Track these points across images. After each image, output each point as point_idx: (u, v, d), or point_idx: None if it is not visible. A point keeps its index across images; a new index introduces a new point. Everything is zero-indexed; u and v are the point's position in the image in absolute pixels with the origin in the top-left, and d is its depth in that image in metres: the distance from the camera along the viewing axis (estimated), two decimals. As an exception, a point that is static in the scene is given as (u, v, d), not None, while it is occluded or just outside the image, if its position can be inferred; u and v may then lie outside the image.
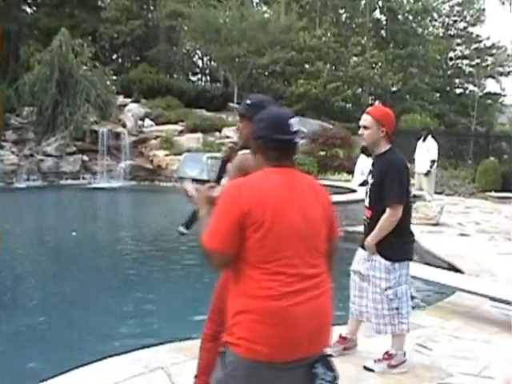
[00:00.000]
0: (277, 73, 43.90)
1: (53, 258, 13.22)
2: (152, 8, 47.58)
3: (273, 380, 3.06)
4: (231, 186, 3.21)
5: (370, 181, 5.72)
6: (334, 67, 45.34)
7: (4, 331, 8.13)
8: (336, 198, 16.06)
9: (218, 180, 4.40)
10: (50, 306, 9.53)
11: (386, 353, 5.85)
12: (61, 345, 7.52)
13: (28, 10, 48.74)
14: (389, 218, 5.51)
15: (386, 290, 5.65)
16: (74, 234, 14.89)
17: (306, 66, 43.99)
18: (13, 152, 26.85)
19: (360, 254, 5.96)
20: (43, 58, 28.62)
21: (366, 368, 5.81)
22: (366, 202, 5.81)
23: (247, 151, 4.11)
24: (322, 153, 26.87)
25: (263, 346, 2.99)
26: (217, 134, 30.37)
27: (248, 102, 4.35)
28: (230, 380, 3.09)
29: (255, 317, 3.01)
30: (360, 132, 5.73)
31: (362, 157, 20.09)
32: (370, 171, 5.80)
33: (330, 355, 3.29)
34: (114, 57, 49.15)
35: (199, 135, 29.51)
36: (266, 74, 45.31)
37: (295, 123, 3.22)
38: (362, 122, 5.69)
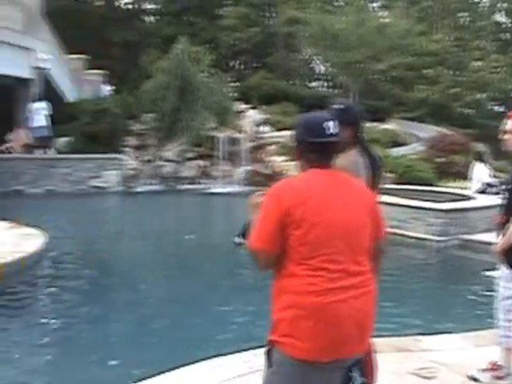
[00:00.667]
0: (396, 78, 43.31)
1: (167, 261, 13.37)
2: (270, 15, 47.80)
3: (317, 379, 3.08)
4: (274, 187, 3.29)
5: (509, 186, 5.47)
6: (454, 72, 44.34)
7: (120, 330, 8.24)
8: (454, 205, 15.65)
9: (243, 237, 4.36)
10: (162, 305, 9.67)
11: (493, 363, 5.54)
12: (173, 344, 7.61)
13: (148, 19, 49.83)
14: None
15: (504, 299, 5.38)
16: (189, 237, 15.01)
17: (426, 71, 43.17)
18: (134, 157, 27.42)
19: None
20: (163, 66, 29.13)
21: (470, 377, 5.55)
22: (501, 208, 5.53)
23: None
24: (440, 159, 26.25)
25: (306, 343, 3.02)
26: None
27: (335, 106, 4.45)
28: (275, 378, 3.14)
29: (299, 312, 3.05)
30: (501, 137, 5.47)
31: (478, 164, 19.56)
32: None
33: (365, 359, 3.31)
34: (233, 64, 49.65)
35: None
36: (385, 79, 44.76)
37: (331, 126, 3.32)
38: (504, 127, 5.43)
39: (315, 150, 3.32)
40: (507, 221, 5.36)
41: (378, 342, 4.61)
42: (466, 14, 51.76)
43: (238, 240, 3.61)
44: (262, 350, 3.28)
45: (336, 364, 3.07)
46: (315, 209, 3.12)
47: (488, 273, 3.51)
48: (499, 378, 5.49)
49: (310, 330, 3.02)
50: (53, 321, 8.75)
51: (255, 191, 3.59)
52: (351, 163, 4.29)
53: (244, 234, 3.49)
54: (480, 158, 21.99)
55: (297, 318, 3.04)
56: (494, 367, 5.53)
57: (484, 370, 5.55)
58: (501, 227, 5.44)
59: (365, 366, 3.26)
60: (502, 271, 5.45)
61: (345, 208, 3.20)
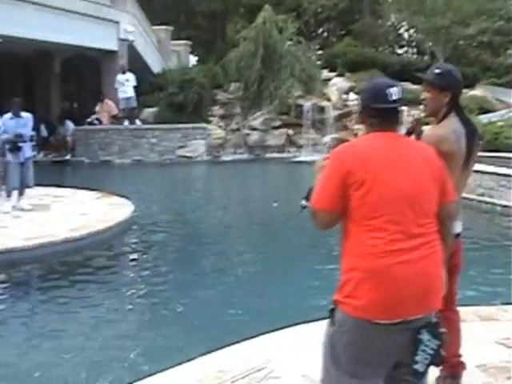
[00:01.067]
0: (484, 43, 42.07)
1: (255, 229, 13.29)
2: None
3: (378, 339, 3.07)
4: (339, 148, 3.26)
5: None
6: (546, 36, 42.89)
7: (198, 295, 8.21)
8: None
9: (307, 199, 4.26)
10: (242, 272, 9.66)
11: None
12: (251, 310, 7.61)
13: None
14: None
15: None
16: (275, 205, 14.90)
17: (515, 35, 41.87)
18: (220, 126, 27.51)
19: None
20: (248, 35, 29.02)
21: None
22: None
23: (432, 126, 4.32)
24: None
25: (367, 304, 3.01)
26: (421, 106, 29.46)
27: (437, 71, 4.28)
28: (338, 336, 3.15)
29: (359, 275, 3.04)
30: None
31: None
32: None
33: (438, 322, 3.20)
34: (319, 31, 49.15)
35: (404, 108, 28.79)
36: (473, 45, 43.58)
37: (395, 92, 3.25)
38: None
39: (378, 115, 3.27)
40: None
41: (463, 311, 4.45)
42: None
43: (304, 203, 3.52)
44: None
45: (400, 325, 3.03)
46: (376, 170, 3.09)
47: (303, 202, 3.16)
48: None
49: (370, 291, 3.01)
50: (141, 287, 8.86)
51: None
52: (450, 131, 4.14)
53: (309, 197, 3.41)
54: None
55: (357, 279, 3.05)
56: None
57: None
58: None
59: (438, 327, 3.16)
60: None
61: (408, 170, 3.16)
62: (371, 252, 3.02)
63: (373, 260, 3.01)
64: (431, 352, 3.11)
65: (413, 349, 3.09)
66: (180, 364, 5.09)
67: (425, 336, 3.09)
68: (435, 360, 3.15)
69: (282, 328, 5.86)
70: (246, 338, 5.60)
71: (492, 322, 6.18)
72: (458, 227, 4.27)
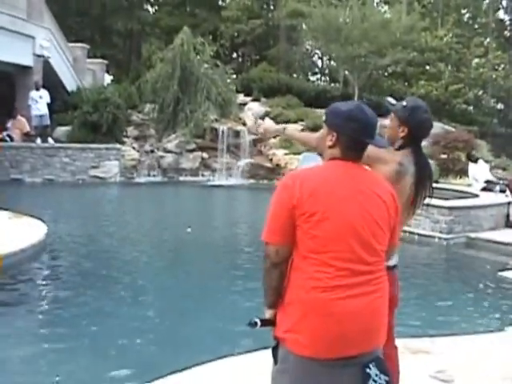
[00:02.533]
0: (397, 74, 43.17)
1: (166, 254, 13.15)
2: (272, 7, 47.66)
3: (323, 377, 2.97)
4: (286, 177, 3.18)
5: None
6: (455, 69, 44.20)
7: (122, 325, 8.02)
8: (458, 202, 15.52)
9: None
10: (163, 299, 9.55)
11: None
12: (179, 341, 7.40)
13: (150, 9, 49.73)
14: None
15: None
16: (188, 230, 14.81)
17: (428, 67, 43.04)
18: (134, 148, 27.21)
19: None
20: (165, 56, 29.01)
21: None
22: None
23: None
24: (444, 156, 26.05)
25: (308, 339, 2.94)
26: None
27: (404, 103, 4.26)
28: (281, 375, 3.06)
29: (302, 308, 2.97)
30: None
31: (472, 164, 19.55)
32: None
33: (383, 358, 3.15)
34: (235, 56, 49.51)
35: (318, 134, 29.08)
36: (387, 74, 44.59)
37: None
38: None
39: (357, 147, 3.21)
40: None
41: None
42: (469, 10, 51.70)
43: (256, 321, 3.18)
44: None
45: (345, 361, 2.96)
46: (326, 203, 3.00)
47: (502, 273, 3.20)
48: None
49: (312, 326, 2.93)
50: (48, 314, 8.57)
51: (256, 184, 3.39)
52: (397, 159, 4.09)
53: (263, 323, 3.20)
54: (471, 158, 22.03)
55: (298, 313, 2.98)
56: None
57: None
58: None
59: (385, 363, 3.12)
60: None
61: (362, 205, 3.07)
62: (315, 286, 2.94)
63: (315, 294, 2.93)
64: None
65: None
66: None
67: (373, 371, 3.01)
68: None
69: (210, 360, 5.74)
70: (172, 372, 5.44)
71: (422, 354, 6.26)
72: (393, 260, 4.24)
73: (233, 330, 7.38)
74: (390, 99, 4.46)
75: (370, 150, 3.99)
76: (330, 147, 3.22)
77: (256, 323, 3.15)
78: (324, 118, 3.33)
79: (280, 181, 3.20)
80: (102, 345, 7.30)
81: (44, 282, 10.33)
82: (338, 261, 2.96)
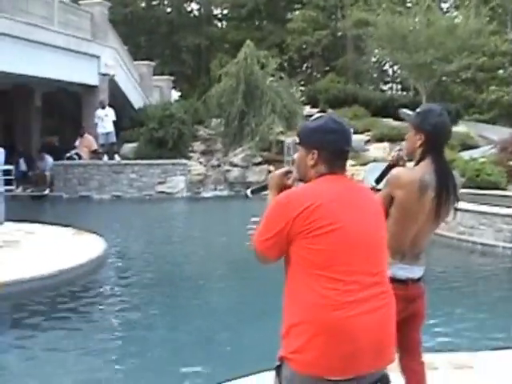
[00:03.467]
0: (467, 80, 42.43)
1: (231, 268, 13.11)
2: (339, 17, 47.43)
3: None
4: (282, 194, 3.11)
5: None
6: (526, 72, 43.23)
7: (164, 337, 8.01)
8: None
9: (376, 182, 4.36)
10: (223, 312, 9.47)
11: None
12: (216, 356, 7.31)
13: (218, 24, 50.13)
14: None
15: None
16: (247, 244, 14.69)
17: (499, 71, 42.17)
18: (200, 162, 27.39)
19: None
20: (229, 71, 29.07)
21: None
22: None
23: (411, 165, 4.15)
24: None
25: (318, 359, 2.83)
26: (404, 143, 29.41)
27: (418, 109, 4.12)
28: None
29: (310, 328, 2.86)
30: None
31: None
32: None
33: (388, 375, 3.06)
34: (302, 67, 49.47)
35: (386, 144, 28.79)
36: (456, 81, 43.89)
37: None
38: None
39: (340, 157, 3.15)
40: None
41: (435, 358, 4.26)
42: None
43: (248, 192, 3.57)
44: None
45: (354, 381, 2.87)
46: (329, 216, 2.92)
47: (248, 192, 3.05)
48: None
49: (321, 345, 2.83)
50: (109, 329, 8.58)
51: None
52: (415, 179, 3.90)
53: (255, 191, 3.52)
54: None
55: (307, 333, 2.87)
56: None
57: None
58: None
59: (390, 380, 3.03)
60: None
61: (361, 217, 3.03)
62: (324, 304, 2.85)
63: (325, 313, 2.85)
64: None
65: None
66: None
67: None
68: None
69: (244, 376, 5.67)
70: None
71: (465, 369, 5.99)
72: (418, 272, 4.09)
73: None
74: (406, 111, 4.32)
75: (390, 176, 4.03)
76: (313, 166, 3.14)
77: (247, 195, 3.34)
78: (298, 140, 3.25)
79: (276, 198, 3.14)
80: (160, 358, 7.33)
81: (100, 297, 10.42)
82: (344, 274, 2.88)
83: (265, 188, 3.36)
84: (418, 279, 4.09)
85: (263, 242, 3.04)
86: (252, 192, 3.50)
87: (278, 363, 3.00)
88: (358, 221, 2.98)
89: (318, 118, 3.23)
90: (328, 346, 2.82)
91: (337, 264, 2.89)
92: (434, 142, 4.02)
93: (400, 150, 4.43)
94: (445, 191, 3.96)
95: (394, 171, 4.06)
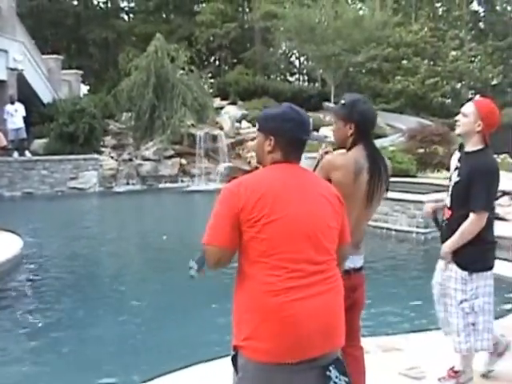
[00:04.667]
0: (374, 70, 43.19)
1: (147, 262, 13.21)
2: (246, 10, 47.69)
3: (284, 382, 2.97)
4: (231, 183, 3.19)
5: (455, 178, 5.14)
6: (431, 62, 44.20)
7: (98, 335, 8.07)
8: (436, 196, 15.55)
9: None
10: (143, 308, 9.51)
11: (452, 369, 5.32)
12: (157, 349, 7.41)
13: (125, 17, 49.66)
14: (472, 225, 4.91)
15: (461, 302, 5.06)
16: (164, 238, 14.82)
17: (403, 62, 43.08)
18: (112, 157, 27.19)
19: (439, 263, 5.32)
20: (140, 64, 28.94)
21: None
22: (447, 201, 5.22)
23: (342, 151, 4.26)
24: (421, 150, 26.08)
25: (267, 345, 2.93)
26: (314, 133, 29.89)
27: (342, 101, 4.30)
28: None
29: (256, 315, 2.96)
30: (456, 117, 5.20)
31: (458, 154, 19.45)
32: (456, 167, 5.19)
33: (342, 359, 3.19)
34: (211, 60, 49.49)
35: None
36: (363, 71, 44.66)
37: (311, 123, 3.33)
38: (462, 108, 5.16)
39: (297, 146, 3.26)
40: (452, 216, 5.12)
41: (364, 342, 4.46)
42: (443, 3, 51.90)
43: (193, 267, 3.17)
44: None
45: (306, 365, 2.96)
46: (273, 205, 3.02)
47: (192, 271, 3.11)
48: None
49: (270, 331, 2.93)
50: (29, 326, 8.56)
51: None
52: (349, 162, 4.09)
53: (199, 264, 3.18)
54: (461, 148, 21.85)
55: (255, 319, 2.97)
56: (454, 374, 5.30)
57: (445, 378, 5.32)
58: (449, 224, 5.16)
59: (344, 364, 3.12)
60: (452, 273, 5.10)
61: (308, 205, 3.11)
62: (267, 290, 2.94)
63: (269, 298, 2.93)
64: None
65: None
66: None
67: (333, 373, 3.01)
68: None
69: (178, 369, 5.77)
70: (142, 382, 5.52)
71: (394, 352, 6.25)
72: (359, 261, 4.26)
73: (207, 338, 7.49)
74: (328, 104, 4.52)
75: (323, 161, 4.17)
76: (270, 152, 3.25)
77: (192, 275, 3.16)
78: (257, 125, 3.35)
79: (224, 187, 3.20)
80: (84, 356, 7.39)
81: (20, 296, 10.36)
82: (288, 262, 2.97)
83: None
84: (360, 268, 4.28)
85: (216, 234, 3.07)
86: (197, 269, 3.18)
87: (233, 353, 3.09)
88: (304, 210, 3.07)
89: (277, 106, 3.37)
90: (274, 332, 2.92)
91: (281, 252, 2.98)
92: (364, 130, 4.23)
93: (324, 150, 4.47)
94: (377, 174, 4.18)
95: (327, 156, 4.21)
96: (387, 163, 4.38)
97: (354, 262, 4.13)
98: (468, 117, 5.06)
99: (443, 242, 5.16)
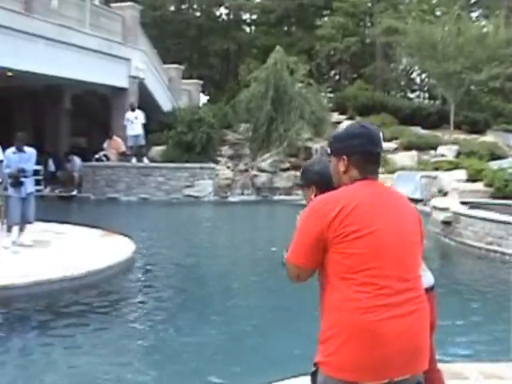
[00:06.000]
0: (496, 89, 42.02)
1: (257, 273, 13.10)
2: (368, 25, 47.29)
3: None
4: (316, 199, 3.16)
5: None
6: (558, 82, 42.72)
7: (202, 341, 7.98)
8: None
9: None
10: (251, 316, 9.41)
11: None
12: (256, 359, 7.33)
13: (247, 29, 50.10)
14: None
15: None
16: (273, 249, 14.67)
17: (528, 81, 41.74)
18: (228, 167, 27.39)
19: None
20: (259, 76, 29.05)
21: None
22: None
23: None
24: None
25: (351, 364, 2.85)
26: (432, 152, 29.34)
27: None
28: None
29: (343, 332, 2.89)
30: None
31: None
32: None
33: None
34: (330, 74, 49.36)
35: (414, 153, 28.68)
36: (485, 90, 43.53)
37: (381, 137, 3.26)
38: None
39: (372, 160, 3.19)
40: None
41: (465, 368, 4.22)
42: None
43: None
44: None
45: None
46: (361, 221, 2.95)
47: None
48: None
49: (354, 349, 2.85)
50: (142, 331, 8.60)
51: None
52: None
53: None
54: None
55: (340, 337, 2.89)
56: None
57: None
58: None
59: None
60: None
61: (395, 222, 3.04)
62: (356, 307, 2.87)
63: (357, 316, 2.85)
64: None
65: None
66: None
67: None
68: None
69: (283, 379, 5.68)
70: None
71: (496, 380, 5.89)
72: (429, 279, 4.18)
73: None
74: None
75: None
76: (345, 172, 3.19)
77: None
78: (328, 150, 3.32)
79: (310, 203, 3.16)
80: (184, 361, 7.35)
81: (130, 300, 10.43)
82: (377, 279, 2.91)
83: None
84: (432, 287, 4.18)
85: (300, 253, 3.05)
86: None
87: (313, 369, 3.02)
88: (392, 225, 3.00)
89: (348, 125, 3.30)
90: (359, 350, 2.83)
91: (369, 268, 2.90)
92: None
93: None
94: None
95: None
96: None
97: (426, 280, 3.96)
98: None
99: None
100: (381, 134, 3.23)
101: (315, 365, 3.00)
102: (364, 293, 2.87)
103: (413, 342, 2.91)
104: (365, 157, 3.15)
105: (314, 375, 3.01)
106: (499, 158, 28.31)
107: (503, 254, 14.01)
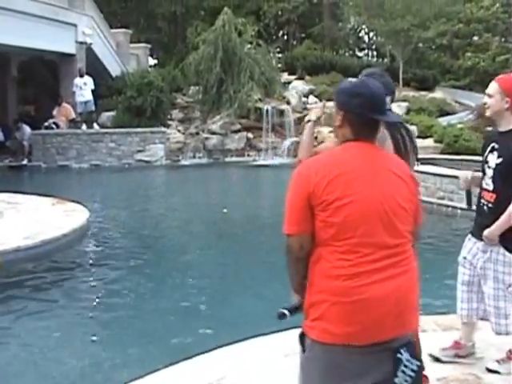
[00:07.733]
0: (443, 46, 42.38)
1: (210, 235, 13.27)
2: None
3: (351, 364, 2.89)
4: (300, 166, 3.11)
5: (497, 160, 4.93)
6: (503, 39, 43.15)
7: (159, 307, 8.07)
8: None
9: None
10: (202, 282, 9.49)
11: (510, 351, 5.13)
12: (214, 322, 7.38)
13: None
14: None
15: (510, 286, 4.89)
16: (224, 211, 14.79)
17: (474, 38, 42.15)
18: (179, 130, 27.35)
19: (472, 242, 5.16)
20: (207, 38, 28.90)
21: (488, 370, 5.10)
22: (488, 185, 5.02)
23: None
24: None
25: (336, 327, 2.88)
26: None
27: (372, 73, 4.32)
28: (310, 363, 3.01)
29: (327, 297, 2.90)
30: (483, 100, 5.04)
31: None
32: (493, 149, 5.00)
33: (415, 342, 3.09)
34: (279, 34, 49.23)
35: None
36: (433, 47, 43.86)
37: (388, 101, 3.24)
38: (487, 90, 4.99)
39: (369, 125, 3.06)
40: (497, 199, 4.92)
41: (423, 320, 4.32)
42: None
43: (285, 312, 3.13)
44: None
45: (374, 347, 2.88)
46: (346, 188, 2.90)
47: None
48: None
49: (340, 314, 2.87)
50: (94, 298, 8.62)
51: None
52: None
53: (292, 312, 3.14)
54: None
55: (325, 302, 2.90)
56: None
57: (503, 361, 5.14)
58: (493, 207, 4.93)
59: (416, 347, 3.06)
60: (499, 255, 4.92)
61: (382, 187, 2.98)
62: (339, 273, 2.88)
63: (340, 282, 2.88)
64: (411, 374, 2.91)
65: (391, 370, 2.89)
66: (132, 381, 5.00)
67: (404, 356, 2.92)
68: (416, 382, 2.94)
69: (240, 340, 5.73)
70: (201, 353, 5.47)
71: (453, 331, 6.03)
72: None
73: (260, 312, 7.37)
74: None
75: None
76: (339, 127, 3.11)
77: (285, 314, 3.09)
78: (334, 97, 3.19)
79: (294, 171, 3.08)
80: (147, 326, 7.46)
81: (85, 266, 10.44)
82: (360, 247, 2.90)
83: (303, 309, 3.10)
84: None
85: (293, 221, 3.00)
86: (291, 312, 3.13)
87: (301, 332, 3.05)
88: (377, 192, 2.95)
89: (357, 79, 3.21)
90: (344, 315, 2.86)
91: (353, 236, 2.89)
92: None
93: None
94: (401, 138, 4.28)
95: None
96: (407, 127, 4.45)
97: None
98: (494, 97, 4.92)
99: (486, 225, 4.94)
100: (387, 99, 3.13)
101: (302, 329, 3.04)
102: (347, 260, 2.88)
103: (400, 303, 2.93)
104: (360, 119, 3.04)
105: (301, 338, 3.04)
106: (448, 114, 28.69)
107: (454, 207, 14.28)
